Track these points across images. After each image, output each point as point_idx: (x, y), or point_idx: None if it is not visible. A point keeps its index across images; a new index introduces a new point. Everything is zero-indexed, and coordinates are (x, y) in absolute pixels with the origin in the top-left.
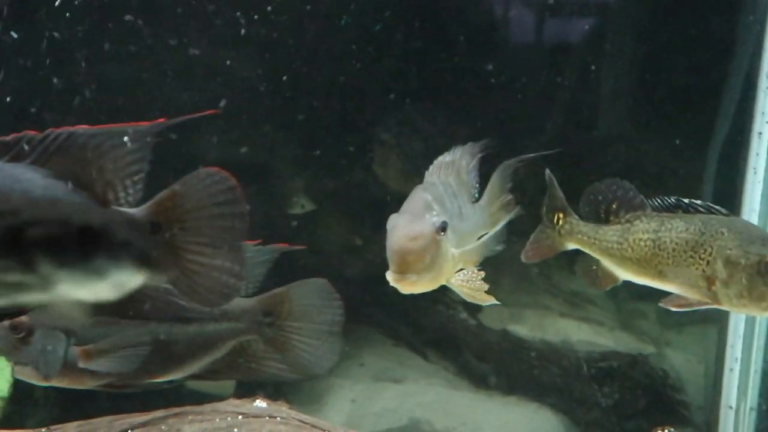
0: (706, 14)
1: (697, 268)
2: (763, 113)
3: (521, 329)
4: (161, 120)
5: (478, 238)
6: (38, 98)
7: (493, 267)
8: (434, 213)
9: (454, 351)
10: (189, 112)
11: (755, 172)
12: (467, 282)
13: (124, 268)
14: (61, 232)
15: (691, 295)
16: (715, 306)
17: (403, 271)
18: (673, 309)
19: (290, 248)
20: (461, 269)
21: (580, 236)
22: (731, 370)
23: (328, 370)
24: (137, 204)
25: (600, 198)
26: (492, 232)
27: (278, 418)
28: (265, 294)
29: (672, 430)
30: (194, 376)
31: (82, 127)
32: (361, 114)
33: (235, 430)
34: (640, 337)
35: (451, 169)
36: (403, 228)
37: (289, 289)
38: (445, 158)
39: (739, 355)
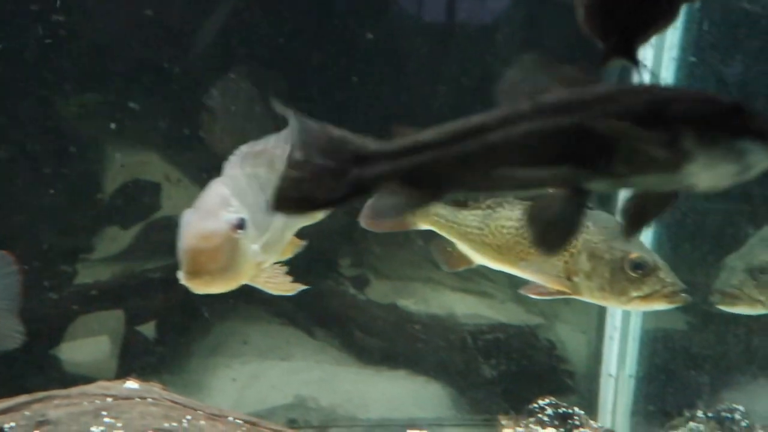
0: None
1: (559, 260)
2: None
3: (409, 303)
4: None
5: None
6: None
7: (378, 240)
8: (231, 209)
9: (342, 327)
10: None
11: None
12: (270, 278)
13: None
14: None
15: (551, 284)
16: (574, 296)
17: (195, 272)
18: (533, 296)
19: None
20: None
21: (436, 218)
22: (611, 338)
23: (14, 347)
24: None
25: None
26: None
27: (149, 399)
28: None
29: (553, 400)
30: None
31: None
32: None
33: (104, 413)
34: (531, 309)
35: (263, 159)
36: (195, 226)
37: None
38: (253, 147)
39: (618, 324)
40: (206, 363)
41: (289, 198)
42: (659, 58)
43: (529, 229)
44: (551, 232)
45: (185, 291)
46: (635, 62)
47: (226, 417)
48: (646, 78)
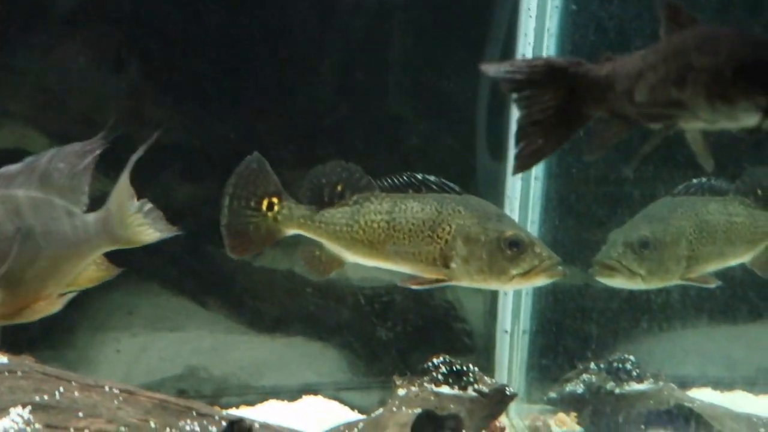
0: None
1: (435, 248)
2: (525, 34)
3: (300, 267)
4: None
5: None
6: None
7: None
8: None
9: (234, 295)
10: None
11: None
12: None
13: None
14: None
15: (428, 273)
16: (453, 283)
17: None
18: (413, 287)
19: None
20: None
21: (302, 220)
22: (505, 294)
23: None
24: None
25: (324, 181)
26: None
27: (19, 373)
28: None
29: (447, 358)
30: None
31: None
32: None
33: None
34: None
35: (25, 178)
36: None
37: None
38: (15, 166)
39: None
40: (92, 337)
41: None
42: (543, 8)
43: None
44: None
45: None
46: None
47: (102, 387)
48: None
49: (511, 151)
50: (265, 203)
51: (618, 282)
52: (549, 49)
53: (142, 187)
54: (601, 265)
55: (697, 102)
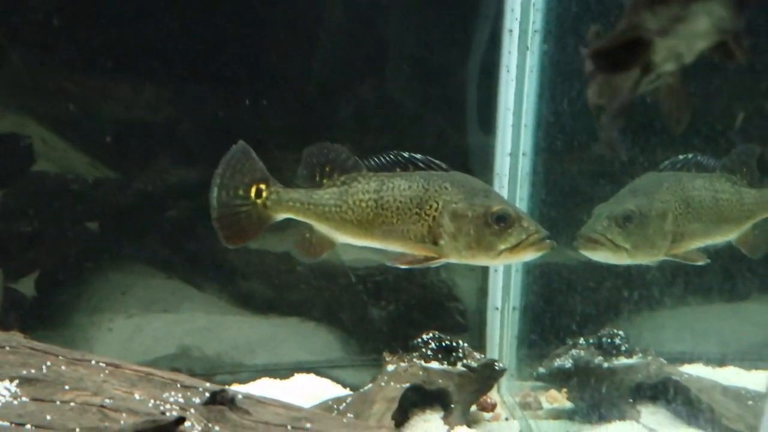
0: None
1: (423, 225)
2: (512, 10)
3: (292, 249)
4: None
5: None
6: None
7: None
8: None
9: (227, 275)
10: None
11: (508, 71)
12: None
13: None
14: None
15: (418, 251)
16: (443, 260)
17: None
18: (403, 266)
19: None
20: None
21: (291, 204)
22: (496, 271)
23: None
24: None
25: (313, 161)
26: None
27: (7, 348)
28: None
29: (436, 333)
30: None
31: None
32: None
33: None
34: None
35: None
36: None
37: None
38: None
39: None
40: (87, 318)
41: None
42: None
43: None
44: None
45: (62, 246)
46: None
47: (89, 361)
48: None
49: (500, 128)
50: (253, 191)
51: (602, 255)
52: (535, 24)
53: (135, 170)
54: (585, 238)
55: None
